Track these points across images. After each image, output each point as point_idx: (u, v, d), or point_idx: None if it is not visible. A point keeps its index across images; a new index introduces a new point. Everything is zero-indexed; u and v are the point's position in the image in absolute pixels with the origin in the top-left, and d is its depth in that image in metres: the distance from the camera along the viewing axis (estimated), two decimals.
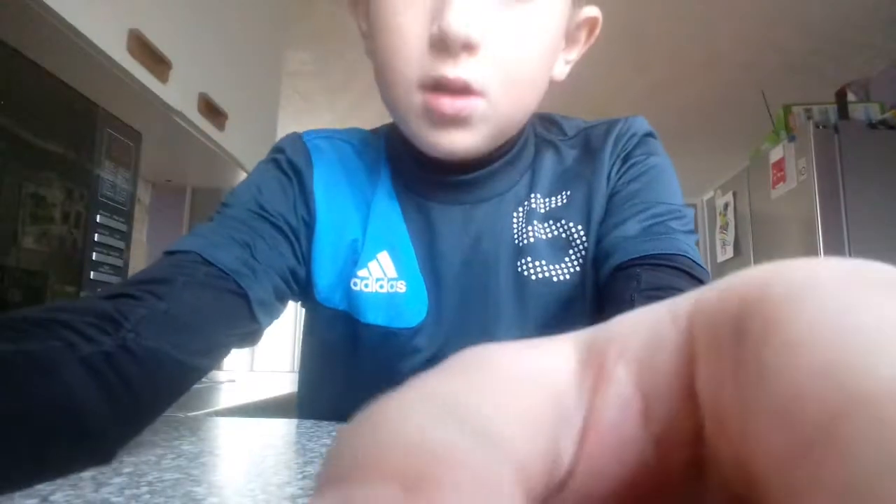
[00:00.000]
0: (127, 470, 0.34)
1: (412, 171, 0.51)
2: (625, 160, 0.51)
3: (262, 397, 0.89)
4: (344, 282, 0.49)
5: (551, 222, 0.50)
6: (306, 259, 0.50)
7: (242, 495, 0.30)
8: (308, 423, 0.56)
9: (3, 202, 0.78)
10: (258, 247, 0.46)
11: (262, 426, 0.59)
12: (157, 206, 2.05)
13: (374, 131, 0.57)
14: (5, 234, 0.78)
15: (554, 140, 0.55)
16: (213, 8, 1.52)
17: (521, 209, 0.51)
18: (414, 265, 0.49)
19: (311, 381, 0.56)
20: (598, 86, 3.23)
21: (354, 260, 0.50)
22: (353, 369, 0.51)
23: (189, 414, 0.67)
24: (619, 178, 0.50)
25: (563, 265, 0.49)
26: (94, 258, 0.93)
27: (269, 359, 4.45)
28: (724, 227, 3.01)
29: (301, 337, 0.57)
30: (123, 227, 1.01)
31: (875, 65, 2.90)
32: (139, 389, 0.36)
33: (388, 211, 0.50)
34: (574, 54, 0.53)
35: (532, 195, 0.51)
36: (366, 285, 0.48)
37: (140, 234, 1.98)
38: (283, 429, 0.56)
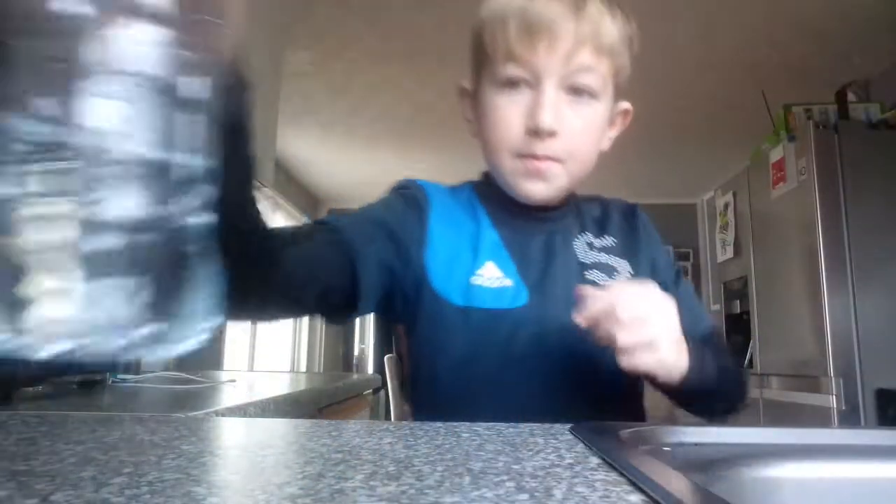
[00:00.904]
0: (127, 470, 0.34)
1: (506, 209, 0.72)
2: (655, 247, 0.80)
3: (262, 397, 0.89)
4: (463, 281, 0.67)
5: (598, 253, 0.74)
6: (415, 265, 0.67)
7: (242, 495, 0.30)
8: (308, 422, 0.56)
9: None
10: (376, 237, 0.66)
11: (262, 426, 0.59)
12: None
13: (455, 186, 0.79)
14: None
15: (585, 199, 0.80)
16: None
17: (579, 239, 0.74)
18: (514, 270, 0.68)
19: (428, 374, 0.71)
20: None
21: (469, 267, 0.68)
22: (467, 356, 0.67)
23: (189, 414, 0.67)
24: (654, 259, 0.78)
25: (611, 279, 0.71)
26: None
27: (269, 359, 4.46)
28: (725, 227, 3.01)
29: (399, 346, 0.75)
30: None
31: (875, 65, 2.91)
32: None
33: (489, 235, 0.71)
34: (614, 132, 0.74)
35: (584, 232, 0.75)
36: (483, 281, 0.67)
37: None
38: (283, 429, 0.56)
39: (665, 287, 0.64)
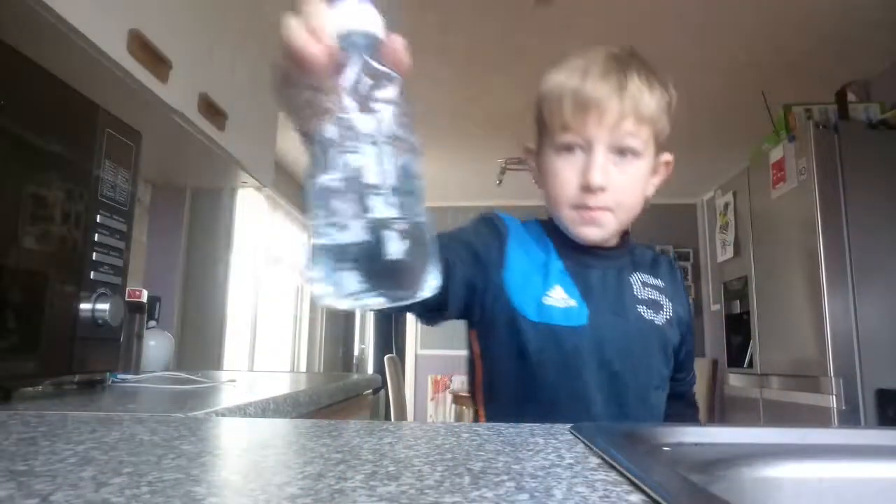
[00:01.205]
0: (127, 470, 0.34)
1: (571, 244, 0.83)
2: (689, 304, 0.94)
3: (262, 397, 0.88)
4: (537, 299, 0.79)
5: (650, 291, 0.86)
6: (494, 284, 0.79)
7: (242, 495, 0.30)
8: (308, 422, 0.56)
9: (4, 202, 0.78)
10: (465, 258, 0.77)
11: (262, 426, 0.59)
12: (157, 206, 2.05)
13: (525, 221, 0.90)
14: (6, 234, 0.78)
15: (644, 249, 0.93)
16: (213, 8, 1.52)
17: (634, 276, 0.86)
18: (577, 294, 0.80)
19: (503, 377, 0.82)
20: None
21: (541, 288, 0.80)
22: (537, 363, 0.78)
23: (189, 414, 0.67)
24: (689, 316, 0.92)
25: (658, 317, 0.84)
26: (94, 258, 0.93)
27: (269, 359, 4.45)
28: (725, 227, 3.01)
29: (478, 361, 0.85)
30: (123, 227, 1.01)
31: (875, 65, 2.90)
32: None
33: (556, 263, 0.82)
34: (658, 180, 0.85)
35: (636, 272, 0.87)
36: (553, 301, 0.79)
37: (140, 234, 1.98)
38: (283, 429, 0.56)
39: (682, 336, 0.87)
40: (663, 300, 0.86)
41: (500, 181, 4.14)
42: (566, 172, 0.78)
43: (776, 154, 2.53)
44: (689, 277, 5.17)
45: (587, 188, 0.76)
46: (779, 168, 2.51)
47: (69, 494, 0.28)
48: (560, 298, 0.79)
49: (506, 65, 3.02)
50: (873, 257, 2.23)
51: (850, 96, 2.62)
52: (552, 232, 0.86)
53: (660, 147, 0.82)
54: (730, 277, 2.97)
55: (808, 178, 2.30)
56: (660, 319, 0.84)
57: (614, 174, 0.77)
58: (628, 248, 0.88)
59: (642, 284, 0.86)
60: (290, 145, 4.18)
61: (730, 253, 2.95)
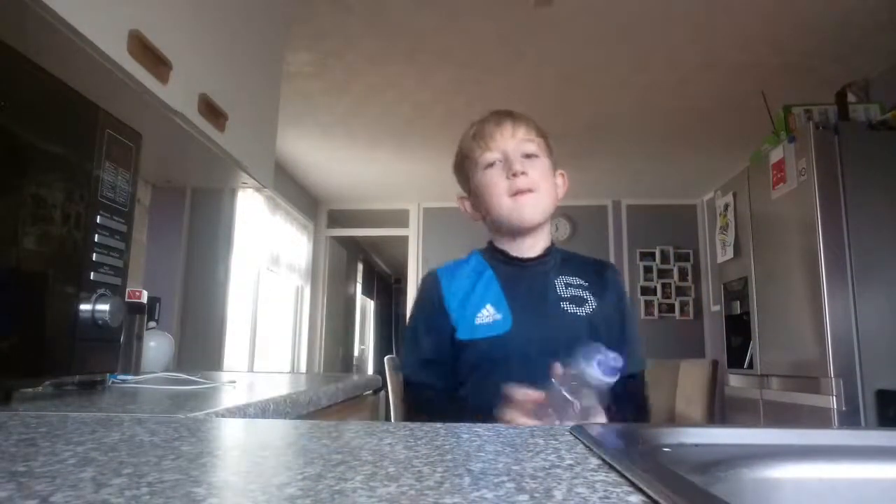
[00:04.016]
0: (127, 470, 0.34)
1: (506, 263, 1.06)
2: (620, 299, 1.08)
3: (262, 398, 0.88)
4: (470, 321, 0.99)
5: (573, 290, 1.04)
6: (451, 331, 1.00)
7: (242, 496, 0.30)
8: (308, 423, 0.56)
9: (4, 203, 0.78)
10: (436, 344, 1.03)
11: (262, 426, 0.59)
12: (157, 207, 2.05)
13: (462, 259, 1.11)
14: (5, 235, 0.78)
15: (566, 253, 1.12)
16: (213, 8, 1.52)
17: (559, 279, 1.04)
18: (505, 306, 1.00)
19: (470, 384, 1.01)
20: (597, 86, 3.23)
21: (473, 313, 1.00)
22: (482, 372, 0.98)
23: (189, 414, 0.67)
24: (620, 309, 1.07)
25: (581, 310, 1.01)
26: (94, 259, 0.93)
27: (269, 360, 4.45)
28: (725, 228, 3.01)
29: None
30: (123, 228, 1.01)
31: (875, 65, 2.91)
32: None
33: (492, 284, 1.03)
34: (561, 191, 1.11)
35: (561, 275, 1.05)
36: (482, 320, 0.99)
37: (140, 234, 1.98)
38: (283, 429, 0.56)
39: (613, 325, 1.03)
40: (587, 295, 1.03)
41: None
42: (495, 177, 1.02)
43: (776, 155, 2.53)
44: (690, 278, 5.18)
45: (513, 175, 1.00)
46: (779, 169, 2.51)
47: (69, 495, 0.28)
48: (488, 315, 0.99)
49: (504, 67, 3.03)
50: (873, 257, 2.23)
51: (850, 97, 2.62)
52: (490, 256, 1.08)
53: (554, 165, 1.08)
54: (730, 278, 2.97)
55: (808, 178, 2.30)
56: (583, 311, 1.01)
57: (528, 166, 1.01)
58: (550, 255, 1.07)
59: (566, 285, 1.04)
60: (291, 145, 4.19)
61: (730, 254, 2.95)
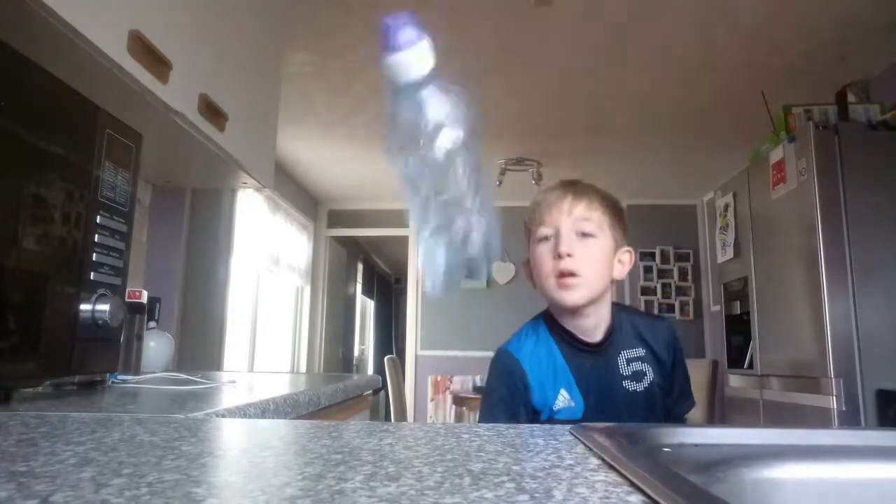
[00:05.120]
0: (127, 470, 0.34)
1: (571, 345, 1.07)
2: (674, 353, 1.12)
3: (262, 398, 0.88)
4: (549, 406, 1.03)
5: (634, 364, 1.07)
6: (530, 408, 1.04)
7: (242, 496, 0.30)
8: (308, 423, 0.56)
9: (4, 203, 0.78)
10: (519, 411, 1.05)
11: (262, 426, 0.59)
12: (157, 207, 2.05)
13: (535, 327, 1.11)
14: (6, 235, 0.78)
15: (627, 319, 1.13)
16: (213, 8, 1.52)
17: (620, 357, 1.07)
18: (577, 392, 1.04)
19: None
20: (598, 86, 3.23)
21: (552, 398, 1.03)
22: None
23: (189, 414, 0.67)
24: (674, 360, 1.11)
25: (640, 385, 1.06)
26: (94, 259, 0.93)
27: (269, 360, 4.45)
28: (725, 228, 3.01)
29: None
30: (123, 228, 1.01)
31: (875, 65, 2.90)
32: None
33: (561, 367, 1.05)
34: (624, 269, 1.08)
35: (622, 351, 1.08)
36: (559, 405, 1.03)
37: (140, 234, 1.98)
38: (283, 429, 0.56)
39: (666, 382, 1.08)
40: (645, 367, 1.07)
41: (500, 182, 4.14)
42: (545, 252, 1.04)
43: (776, 155, 2.53)
44: (690, 278, 5.18)
45: (558, 256, 1.01)
46: (779, 169, 2.51)
47: (69, 495, 0.28)
48: (563, 400, 1.03)
49: (505, 67, 3.03)
50: (873, 258, 2.23)
51: (850, 97, 2.62)
52: (555, 332, 1.08)
53: (617, 242, 1.07)
54: (730, 278, 2.97)
55: (808, 178, 2.30)
56: (642, 386, 1.06)
57: (577, 247, 1.01)
58: (613, 335, 1.08)
59: (627, 362, 1.07)
60: (291, 145, 4.18)
61: (730, 254, 2.95)
